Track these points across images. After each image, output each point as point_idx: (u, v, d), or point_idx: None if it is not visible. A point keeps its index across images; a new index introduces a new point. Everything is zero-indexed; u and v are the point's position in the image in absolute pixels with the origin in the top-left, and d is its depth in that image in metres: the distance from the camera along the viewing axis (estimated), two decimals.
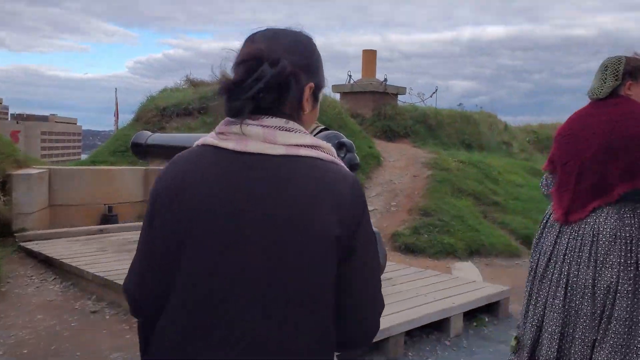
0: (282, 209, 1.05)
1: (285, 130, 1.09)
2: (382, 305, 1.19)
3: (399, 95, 12.62)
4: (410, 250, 6.91)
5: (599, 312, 2.41)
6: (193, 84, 11.46)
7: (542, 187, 2.80)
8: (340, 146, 3.85)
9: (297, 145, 1.09)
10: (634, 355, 2.36)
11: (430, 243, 6.94)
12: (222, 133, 1.12)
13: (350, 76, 12.51)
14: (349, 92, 12.25)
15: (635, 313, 2.37)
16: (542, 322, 2.57)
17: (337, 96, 12.50)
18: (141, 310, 1.16)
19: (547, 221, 2.67)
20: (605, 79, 2.53)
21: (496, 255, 7.23)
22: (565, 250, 2.52)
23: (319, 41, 1.22)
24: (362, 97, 12.04)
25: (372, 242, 1.14)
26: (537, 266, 2.64)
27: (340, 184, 1.08)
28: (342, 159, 3.66)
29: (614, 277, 2.39)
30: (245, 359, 1.03)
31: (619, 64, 2.52)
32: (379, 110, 11.85)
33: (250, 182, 1.07)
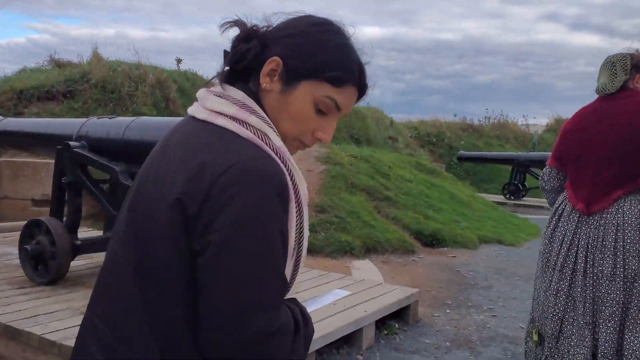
0: (157, 174, 0.99)
1: (217, 96, 1.02)
2: (252, 329, 0.89)
3: None
4: (307, 250, 6.46)
5: (621, 300, 2.51)
6: (58, 64, 10.14)
7: (543, 182, 2.92)
8: None
9: (217, 112, 1.00)
10: None
11: (328, 241, 6.56)
12: None
13: None
14: None
15: None
16: (565, 312, 2.63)
17: None
18: None
19: (562, 212, 2.72)
20: (616, 74, 2.64)
21: (392, 251, 7.05)
22: (588, 239, 2.58)
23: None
24: None
25: (241, 245, 0.89)
26: (556, 257, 2.68)
27: (219, 161, 0.92)
28: None
29: (636, 263, 2.50)
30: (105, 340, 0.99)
31: (625, 60, 2.64)
32: None
33: (166, 145, 1.04)
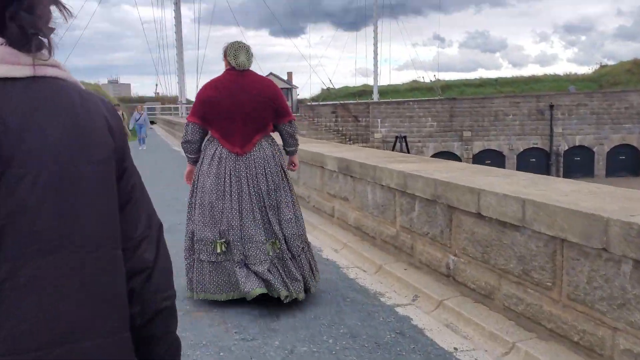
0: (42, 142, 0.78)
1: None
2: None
3: None
4: None
5: (275, 204, 3.91)
6: None
7: (189, 135, 4.00)
8: None
9: (44, 65, 0.81)
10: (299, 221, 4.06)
11: None
12: None
13: None
14: None
15: (294, 198, 4.07)
16: (241, 219, 3.81)
17: None
18: None
19: (220, 155, 3.89)
20: (250, 57, 3.99)
21: None
22: (247, 170, 3.87)
23: None
24: None
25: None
26: (223, 185, 3.84)
27: (101, 107, 0.89)
28: None
29: (277, 179, 3.94)
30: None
31: (250, 47, 4.00)
32: None
33: None
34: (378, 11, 47.57)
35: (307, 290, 3.88)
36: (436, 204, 4.20)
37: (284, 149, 4.20)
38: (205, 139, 4.05)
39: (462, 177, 4.13)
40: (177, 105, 42.31)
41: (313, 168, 6.96)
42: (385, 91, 50.54)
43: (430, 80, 51.11)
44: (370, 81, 50.67)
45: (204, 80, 20.44)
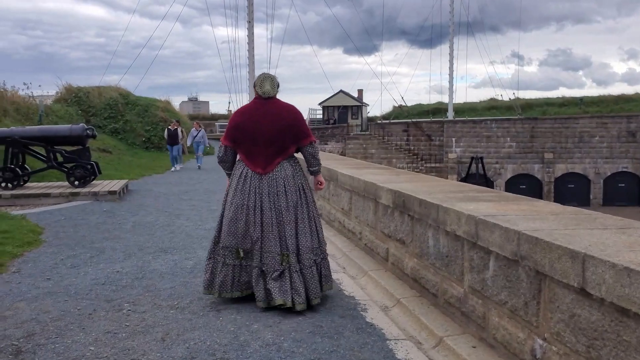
0: None
1: None
2: None
3: None
4: None
5: (292, 219, 4.30)
6: None
7: (222, 155, 4.49)
8: None
9: None
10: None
11: None
12: None
13: None
14: None
15: (311, 214, 4.40)
16: (262, 232, 4.26)
17: None
18: None
19: (246, 174, 4.33)
20: (275, 86, 4.39)
21: None
22: (269, 188, 4.29)
23: None
24: None
25: None
26: (248, 201, 4.28)
27: None
28: None
29: (295, 197, 4.33)
30: None
31: (275, 77, 4.41)
32: None
33: None
34: (454, 29, 45.96)
35: (309, 301, 4.24)
36: (519, 266, 3.06)
37: (308, 169, 4.55)
38: (237, 159, 4.48)
39: (557, 229, 2.98)
40: None
41: (366, 200, 5.88)
42: (461, 109, 48.35)
43: (510, 99, 48.55)
44: (445, 99, 48.75)
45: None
